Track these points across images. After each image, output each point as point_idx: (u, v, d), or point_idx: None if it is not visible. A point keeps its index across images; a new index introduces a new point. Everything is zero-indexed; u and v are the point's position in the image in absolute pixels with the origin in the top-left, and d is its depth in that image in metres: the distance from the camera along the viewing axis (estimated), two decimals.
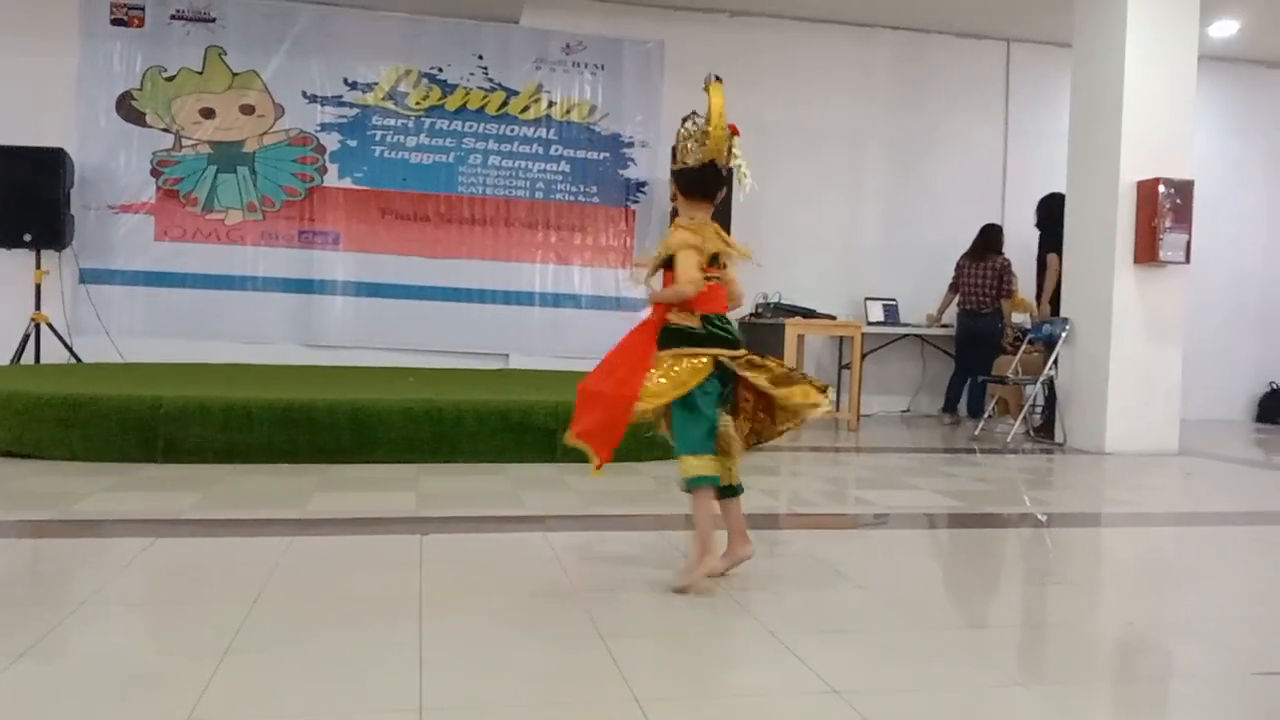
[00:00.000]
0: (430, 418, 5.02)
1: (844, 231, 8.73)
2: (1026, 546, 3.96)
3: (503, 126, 8.27)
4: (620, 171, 8.49)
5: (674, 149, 2.97)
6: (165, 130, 7.80)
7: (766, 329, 7.81)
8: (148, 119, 7.78)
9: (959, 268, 8.23)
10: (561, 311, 8.39)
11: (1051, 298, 7.45)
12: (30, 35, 7.54)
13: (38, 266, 7.31)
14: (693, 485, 2.84)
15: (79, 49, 7.64)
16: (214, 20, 7.84)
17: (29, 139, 7.16)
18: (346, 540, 3.43)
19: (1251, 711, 2.15)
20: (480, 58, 8.22)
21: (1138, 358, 6.62)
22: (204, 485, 4.25)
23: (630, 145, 8.49)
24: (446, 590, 2.79)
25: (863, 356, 7.88)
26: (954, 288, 8.28)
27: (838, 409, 8.36)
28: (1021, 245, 8.06)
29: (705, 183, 2.94)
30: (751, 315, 8.18)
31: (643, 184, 8.49)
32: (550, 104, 8.36)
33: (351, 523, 3.69)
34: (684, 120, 2.98)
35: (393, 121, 8.11)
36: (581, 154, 8.43)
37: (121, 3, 7.73)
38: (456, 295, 8.17)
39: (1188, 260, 6.60)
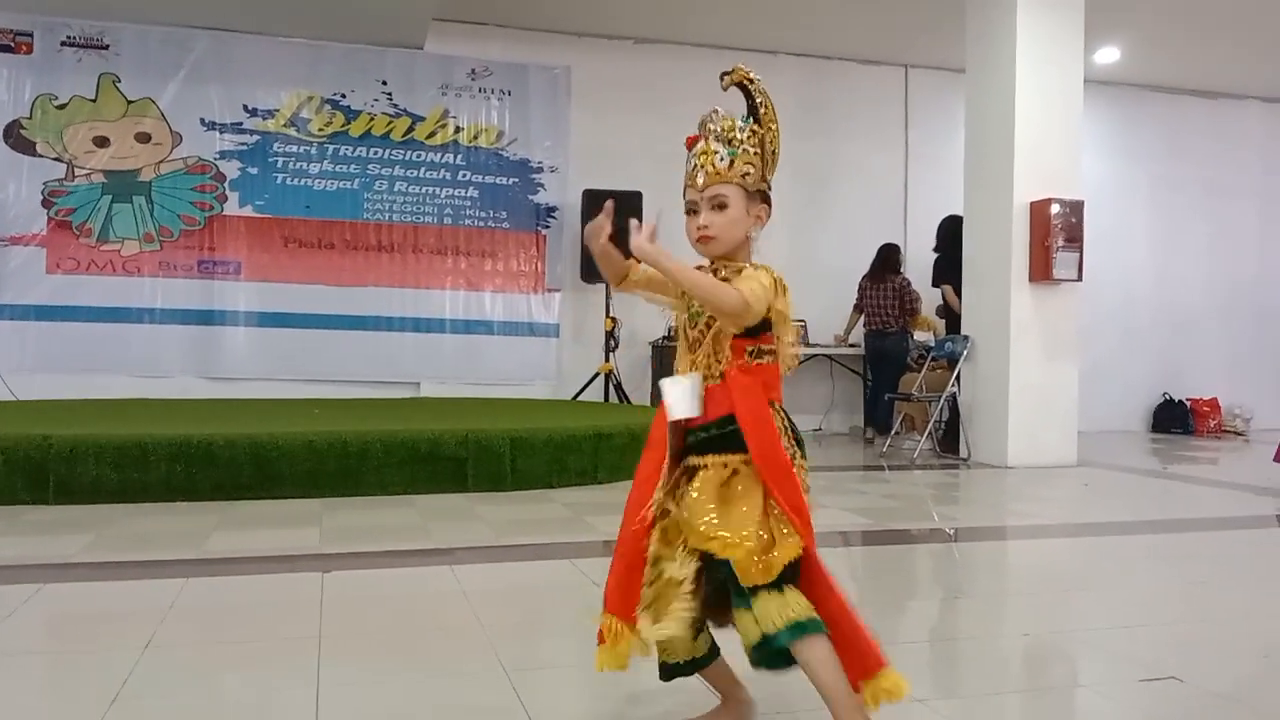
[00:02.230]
0: (335, 450, 4.92)
1: (755, 254, 8.82)
2: (934, 561, 4.03)
3: (409, 152, 8.20)
4: (530, 197, 8.48)
5: (768, 151, 2.03)
6: (57, 160, 7.57)
7: (675, 352, 7.85)
8: (38, 148, 7.55)
9: (861, 289, 8.39)
10: (473, 338, 8.33)
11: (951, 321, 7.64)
12: None
13: None
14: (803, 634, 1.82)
15: None
16: (107, 47, 7.64)
17: None
18: (245, 580, 3.33)
19: (1139, 717, 2.21)
20: (384, 83, 8.15)
21: (1036, 373, 6.82)
22: (97, 526, 4.10)
23: (539, 170, 8.49)
24: (347, 629, 2.73)
25: None
26: (858, 308, 8.44)
27: None
28: (926, 266, 8.24)
29: None
30: (664, 338, 8.22)
31: (553, 209, 8.50)
32: (457, 129, 8.32)
33: (251, 561, 3.59)
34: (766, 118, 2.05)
35: (295, 148, 7.99)
36: (490, 179, 8.41)
37: (8, 29, 7.50)
38: (364, 323, 8.05)
39: (1080, 278, 6.83)
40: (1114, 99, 9.63)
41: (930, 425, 7.43)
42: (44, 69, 7.57)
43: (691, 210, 2.03)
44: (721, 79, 2.09)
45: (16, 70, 7.53)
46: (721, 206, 1.99)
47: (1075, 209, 6.78)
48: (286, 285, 7.90)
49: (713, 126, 2.03)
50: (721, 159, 1.98)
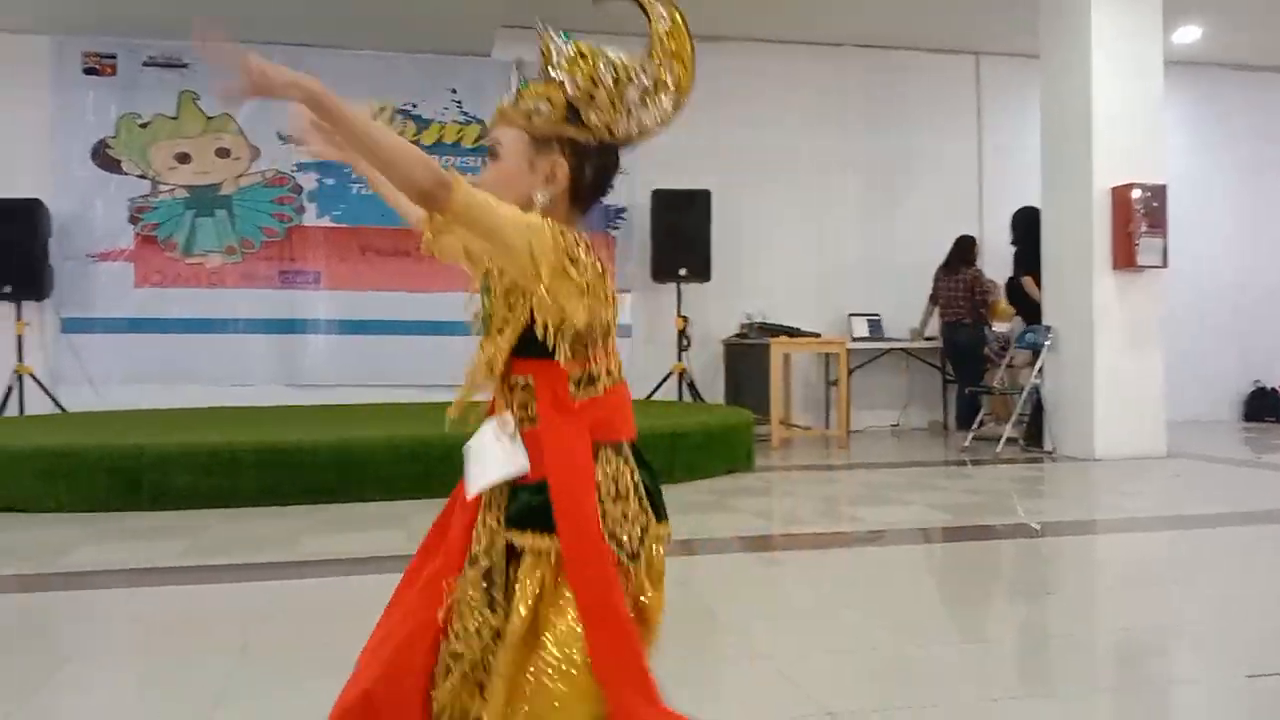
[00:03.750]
0: (419, 453, 4.99)
1: (824, 250, 8.75)
2: (1021, 557, 3.96)
3: (479, 159, 8.26)
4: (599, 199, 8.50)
5: (607, 81, 1.45)
6: (141, 177, 7.79)
7: (752, 350, 7.82)
8: (123, 166, 7.77)
9: (935, 280, 8.27)
10: None
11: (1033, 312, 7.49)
12: (2, 87, 7.52)
13: (19, 318, 7.27)
14: None
15: (52, 99, 7.63)
16: (186, 65, 7.83)
17: (5, 190, 7.12)
18: (335, 582, 3.40)
19: (1247, 715, 2.15)
20: (454, 92, 8.24)
21: (1121, 362, 6.65)
22: (191, 532, 4.21)
23: None
24: None
25: (849, 372, 7.89)
26: (933, 299, 8.32)
27: (827, 426, 8.38)
28: (1004, 257, 8.08)
29: (610, 177, 1.51)
30: (736, 336, 8.19)
31: (622, 210, 8.51)
32: None
33: (340, 564, 3.66)
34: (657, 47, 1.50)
35: None
36: None
37: (93, 52, 7.73)
38: (441, 329, 8.13)
39: (1165, 264, 6.65)
40: (1195, 79, 9.32)
41: (1014, 418, 7.27)
42: (127, 89, 7.79)
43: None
44: None
45: (102, 91, 7.77)
46: (494, 156, 1.46)
47: (1158, 194, 6.60)
48: (365, 293, 8.03)
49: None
50: (509, 93, 1.48)
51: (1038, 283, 7.33)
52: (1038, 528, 4.47)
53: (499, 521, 1.39)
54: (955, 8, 8.09)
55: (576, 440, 1.36)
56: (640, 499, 1.38)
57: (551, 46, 1.45)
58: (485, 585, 1.38)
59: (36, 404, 7.28)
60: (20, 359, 7.28)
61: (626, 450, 1.40)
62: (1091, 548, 4.21)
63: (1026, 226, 7.49)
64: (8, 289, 7.10)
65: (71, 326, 7.57)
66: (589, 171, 1.44)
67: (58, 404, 7.30)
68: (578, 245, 1.35)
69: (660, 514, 1.42)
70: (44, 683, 2.36)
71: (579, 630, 1.31)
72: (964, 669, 2.40)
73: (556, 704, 1.31)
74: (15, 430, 5.72)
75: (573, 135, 1.42)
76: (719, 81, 8.51)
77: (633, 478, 1.38)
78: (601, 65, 1.44)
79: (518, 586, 1.35)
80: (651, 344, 8.41)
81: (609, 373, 1.40)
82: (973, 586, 3.44)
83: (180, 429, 5.52)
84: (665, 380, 8.07)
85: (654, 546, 1.39)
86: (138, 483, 4.74)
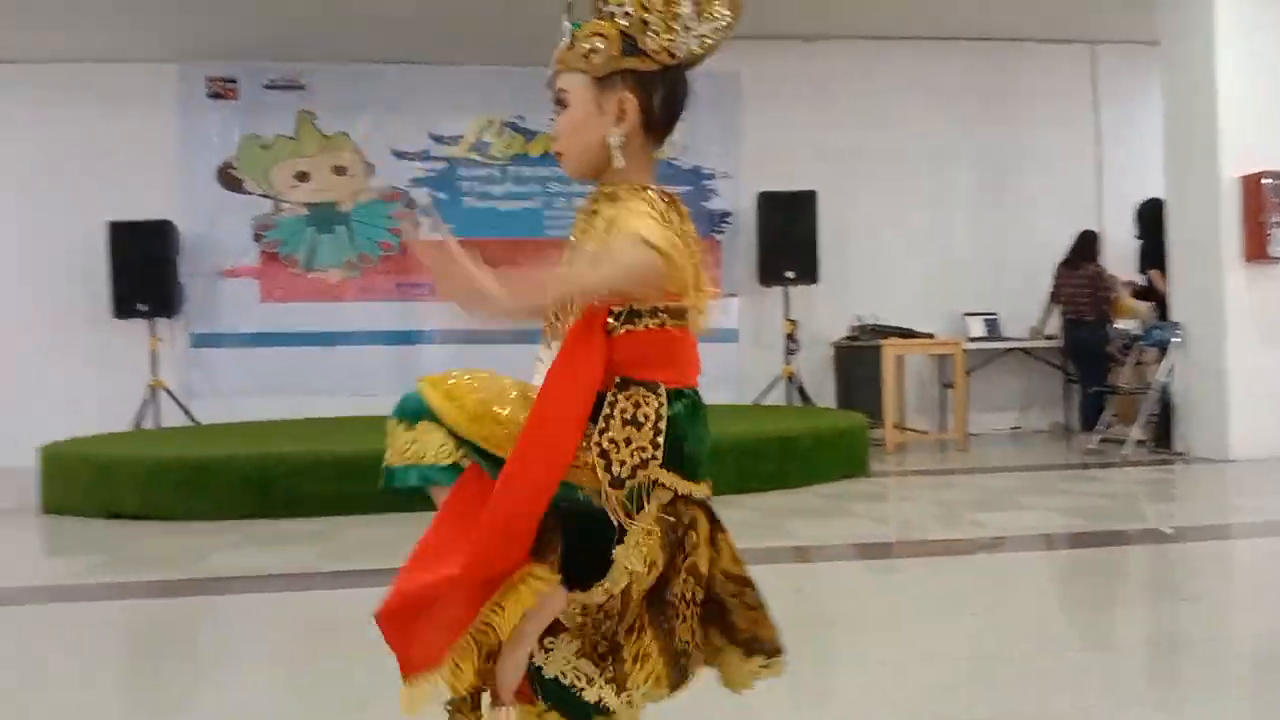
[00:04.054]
0: None
1: (937, 248, 8.58)
2: (1153, 562, 3.83)
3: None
4: (703, 204, 8.51)
5: (628, 23, 1.39)
6: (264, 196, 8.11)
7: (863, 352, 7.73)
8: (246, 186, 8.09)
9: (1056, 277, 8.03)
10: None
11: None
12: (131, 113, 7.88)
13: (153, 334, 7.64)
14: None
15: (178, 124, 8.00)
16: (303, 87, 8.13)
17: (135, 212, 7.48)
18: None
19: None
20: None
21: (1256, 357, 6.36)
22: (323, 538, 4.36)
23: (711, 177, 8.53)
24: None
25: (966, 374, 7.72)
26: (1054, 297, 8.07)
27: (943, 429, 8.21)
28: (1127, 252, 7.82)
29: (680, 101, 1.48)
30: (846, 338, 8.10)
31: (726, 215, 8.51)
32: None
33: None
34: None
35: (479, 171, 8.29)
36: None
37: (217, 76, 8.08)
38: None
39: None
40: None
41: (1143, 419, 7.00)
42: (249, 111, 8.12)
43: None
44: None
45: (225, 114, 8.11)
46: (563, 105, 1.46)
47: None
48: None
49: None
50: (564, 36, 1.43)
51: (1164, 277, 7.07)
52: (1170, 532, 4.32)
53: None
54: None
55: (580, 360, 1.40)
56: (656, 435, 1.37)
57: None
58: None
59: (171, 417, 7.63)
60: (155, 374, 7.65)
61: (663, 392, 1.39)
62: (1228, 552, 4.04)
63: (1152, 220, 7.23)
64: (143, 307, 7.47)
65: (200, 341, 7.93)
66: (658, 100, 1.43)
67: (191, 416, 7.64)
68: (665, 210, 1.39)
69: (682, 467, 1.40)
70: (190, 687, 2.48)
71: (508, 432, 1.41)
72: (1093, 676, 2.34)
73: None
74: (153, 442, 6.01)
75: (634, 66, 1.40)
76: (824, 81, 8.45)
77: (659, 412, 1.38)
78: None
79: None
80: (759, 347, 8.38)
81: (659, 313, 1.40)
82: (1101, 593, 3.34)
83: (308, 438, 5.73)
84: (773, 385, 8.03)
85: (648, 488, 1.37)
86: (271, 491, 4.93)
